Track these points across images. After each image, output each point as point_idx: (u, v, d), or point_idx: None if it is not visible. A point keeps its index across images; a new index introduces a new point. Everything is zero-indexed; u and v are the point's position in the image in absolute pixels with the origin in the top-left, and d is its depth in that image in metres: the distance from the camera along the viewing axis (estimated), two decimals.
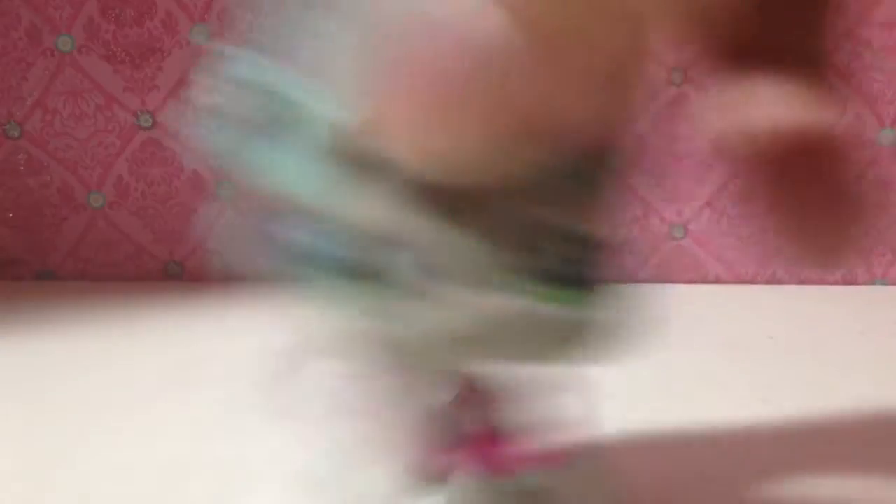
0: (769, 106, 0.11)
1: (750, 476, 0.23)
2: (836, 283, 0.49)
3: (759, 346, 0.36)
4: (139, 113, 0.49)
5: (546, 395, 0.17)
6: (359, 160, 0.13)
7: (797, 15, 0.11)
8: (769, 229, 0.11)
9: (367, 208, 0.13)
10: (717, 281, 0.50)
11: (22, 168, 0.50)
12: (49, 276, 0.52)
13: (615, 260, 0.14)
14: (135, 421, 0.28)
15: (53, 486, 0.23)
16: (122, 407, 0.29)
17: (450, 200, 0.12)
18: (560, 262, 0.13)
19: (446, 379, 0.17)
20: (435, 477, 0.21)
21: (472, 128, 0.11)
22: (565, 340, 0.13)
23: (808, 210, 0.11)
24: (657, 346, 0.34)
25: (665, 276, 0.49)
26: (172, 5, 0.47)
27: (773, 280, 0.50)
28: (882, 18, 0.45)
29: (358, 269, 0.13)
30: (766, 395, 0.29)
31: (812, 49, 0.11)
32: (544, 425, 0.17)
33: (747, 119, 0.11)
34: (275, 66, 0.14)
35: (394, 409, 0.24)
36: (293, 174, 0.14)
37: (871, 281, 0.49)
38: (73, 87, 0.49)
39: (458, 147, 0.11)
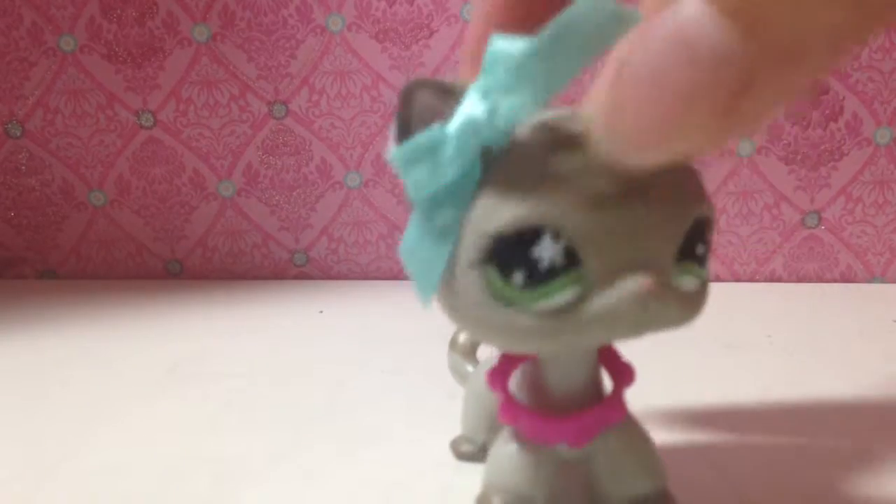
0: None
1: (748, 474, 0.23)
2: (834, 280, 0.50)
3: (757, 345, 0.36)
4: (140, 112, 0.49)
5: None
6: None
7: None
8: None
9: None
10: (716, 279, 0.50)
11: (23, 167, 0.51)
12: (50, 275, 0.52)
13: None
14: (136, 419, 0.28)
15: (54, 485, 0.23)
16: (123, 404, 0.29)
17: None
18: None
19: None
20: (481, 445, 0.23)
21: (695, 138, 0.11)
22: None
23: None
24: (655, 345, 0.34)
25: None
26: (173, 5, 0.47)
27: (771, 278, 0.50)
28: None
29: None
30: (764, 393, 0.29)
31: None
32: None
33: None
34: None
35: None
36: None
37: (870, 279, 0.49)
38: (74, 87, 0.49)
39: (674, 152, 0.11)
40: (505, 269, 0.13)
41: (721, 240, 0.49)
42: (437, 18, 0.47)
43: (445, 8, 0.47)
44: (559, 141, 0.13)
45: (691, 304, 0.14)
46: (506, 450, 0.18)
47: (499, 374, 0.18)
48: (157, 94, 0.49)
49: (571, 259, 0.13)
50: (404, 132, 0.14)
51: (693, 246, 0.14)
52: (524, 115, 0.12)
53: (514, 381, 0.18)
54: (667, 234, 0.13)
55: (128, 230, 0.52)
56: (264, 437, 0.26)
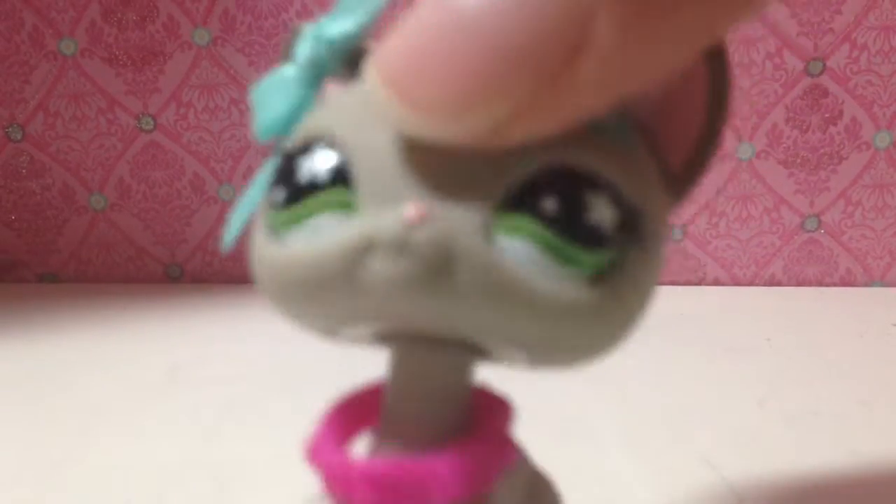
0: None
1: (747, 476, 0.23)
2: (833, 284, 0.50)
3: (757, 348, 0.36)
4: (141, 116, 0.49)
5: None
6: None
7: None
8: None
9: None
10: (716, 283, 0.50)
11: (24, 170, 0.51)
12: (51, 279, 0.52)
13: None
14: (136, 422, 0.28)
15: (55, 488, 0.23)
16: (123, 408, 0.29)
17: None
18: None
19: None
20: None
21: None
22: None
23: None
24: (655, 348, 0.34)
25: (663, 278, 0.49)
26: (174, 9, 0.47)
27: (771, 282, 0.50)
28: (878, 22, 0.45)
29: None
30: (763, 397, 0.29)
31: None
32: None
33: None
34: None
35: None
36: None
37: (870, 283, 0.49)
38: (75, 90, 0.49)
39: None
40: (272, 189, 0.11)
41: (721, 243, 0.49)
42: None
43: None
44: None
45: (535, 301, 0.09)
46: None
47: (339, 406, 0.13)
48: (158, 98, 0.49)
49: (341, 177, 0.10)
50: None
51: (539, 196, 0.09)
52: (350, 24, 0.11)
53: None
54: (482, 169, 0.09)
55: (128, 234, 0.52)
56: (265, 440, 0.26)
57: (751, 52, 0.46)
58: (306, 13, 0.47)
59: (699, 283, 0.50)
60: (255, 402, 0.30)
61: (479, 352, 0.11)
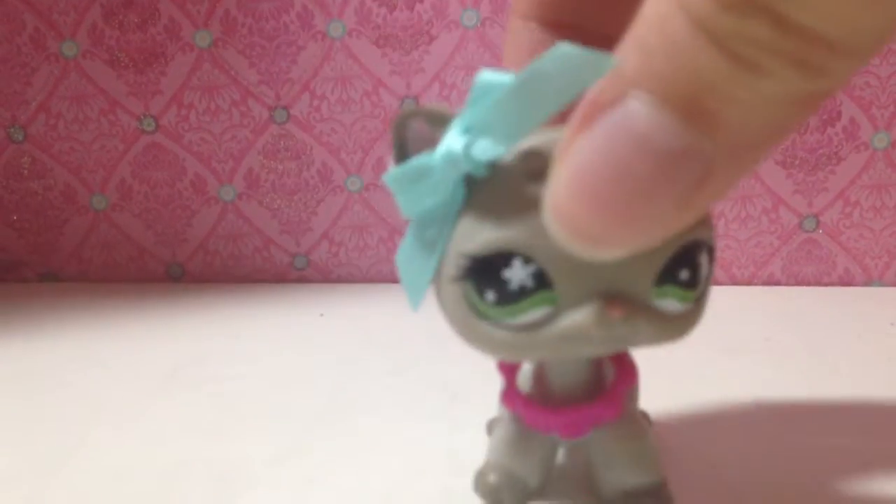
0: None
1: (746, 476, 0.23)
2: (832, 284, 0.50)
3: (755, 348, 0.36)
4: (142, 117, 0.50)
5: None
6: None
7: None
8: None
9: None
10: (714, 282, 0.50)
11: (26, 171, 0.51)
12: (52, 278, 0.53)
13: None
14: (136, 422, 0.28)
15: (55, 488, 0.23)
16: (123, 407, 0.30)
17: None
18: None
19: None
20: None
21: None
22: None
23: None
24: (653, 348, 0.34)
25: None
26: (175, 11, 0.48)
27: (769, 282, 0.50)
28: None
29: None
30: (762, 397, 0.29)
31: None
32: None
33: None
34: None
35: None
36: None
37: (868, 282, 0.50)
38: (76, 92, 0.49)
39: None
40: (480, 287, 0.14)
41: (719, 244, 0.50)
42: (437, 24, 0.48)
43: (445, 14, 0.47)
44: (538, 168, 0.13)
45: (672, 323, 0.15)
46: (504, 432, 0.20)
47: (508, 363, 0.20)
48: (159, 100, 0.49)
49: (543, 281, 0.14)
50: (400, 156, 0.15)
51: (677, 270, 0.15)
52: (498, 151, 0.13)
53: (523, 371, 0.20)
54: (641, 261, 0.14)
55: (129, 234, 0.52)
56: (265, 439, 0.26)
57: None
58: (307, 15, 0.48)
59: None
60: (254, 402, 0.30)
61: None
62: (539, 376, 0.19)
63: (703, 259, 0.15)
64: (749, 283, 0.50)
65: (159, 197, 0.51)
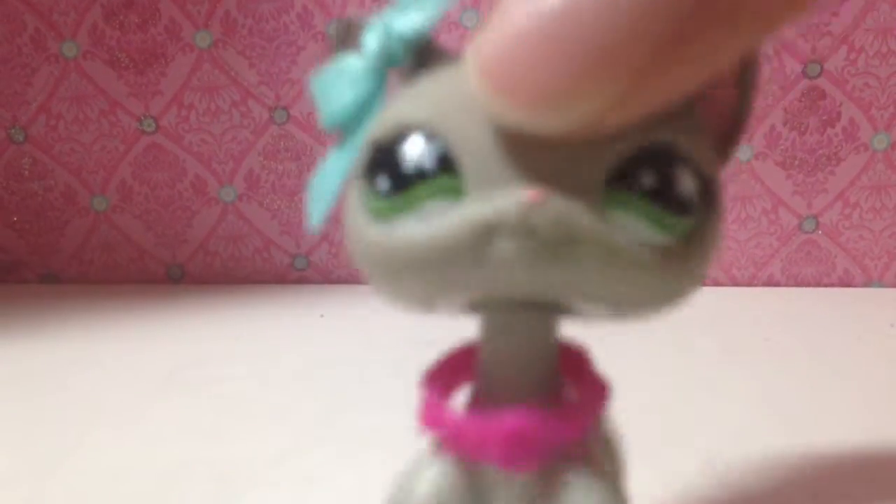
0: None
1: (746, 477, 0.23)
2: (832, 285, 0.50)
3: (755, 349, 0.36)
4: (142, 118, 0.50)
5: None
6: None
7: None
8: None
9: None
10: (714, 283, 0.50)
11: (26, 172, 0.51)
12: (52, 279, 0.53)
13: None
14: (136, 423, 0.28)
15: (54, 488, 0.23)
16: (123, 409, 0.30)
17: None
18: None
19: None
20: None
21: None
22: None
23: None
24: (653, 349, 0.34)
25: None
26: (176, 12, 0.48)
27: (769, 283, 0.50)
28: (875, 24, 0.45)
29: None
30: (762, 398, 0.29)
31: None
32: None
33: None
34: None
35: None
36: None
37: (868, 283, 0.50)
38: (77, 93, 0.49)
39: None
40: (373, 175, 0.11)
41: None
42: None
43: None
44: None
45: (643, 261, 0.10)
46: (421, 473, 0.14)
47: (435, 371, 0.14)
48: (160, 100, 0.49)
49: (447, 165, 0.10)
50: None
51: (638, 172, 0.10)
52: (423, 21, 0.12)
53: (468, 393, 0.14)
54: (584, 149, 0.10)
55: (129, 235, 0.52)
56: (265, 440, 0.26)
57: None
58: (307, 15, 0.48)
59: None
60: (254, 403, 0.30)
61: (565, 310, 0.12)
62: (476, 373, 0.14)
63: (684, 175, 0.10)
64: (749, 284, 0.50)
65: (159, 198, 0.51)
